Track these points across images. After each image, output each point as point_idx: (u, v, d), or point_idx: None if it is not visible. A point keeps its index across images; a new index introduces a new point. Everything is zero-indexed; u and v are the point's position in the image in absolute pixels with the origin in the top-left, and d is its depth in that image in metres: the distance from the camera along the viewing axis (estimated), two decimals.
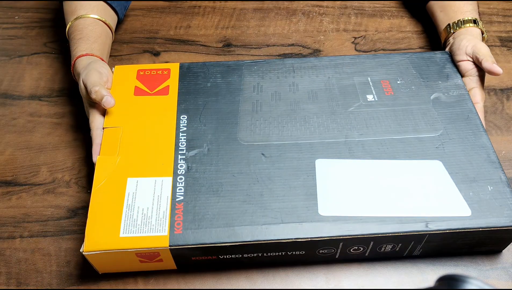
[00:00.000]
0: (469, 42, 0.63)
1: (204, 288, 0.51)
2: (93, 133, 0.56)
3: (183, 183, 0.51)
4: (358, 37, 0.76)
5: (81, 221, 0.56)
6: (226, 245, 0.47)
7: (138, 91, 0.59)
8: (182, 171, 0.52)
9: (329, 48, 0.75)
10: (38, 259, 0.53)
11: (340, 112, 0.57)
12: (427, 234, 0.48)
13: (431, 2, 0.73)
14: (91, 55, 0.61)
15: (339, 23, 0.78)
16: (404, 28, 0.78)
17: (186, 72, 0.62)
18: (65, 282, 0.52)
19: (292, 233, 0.47)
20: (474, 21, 0.66)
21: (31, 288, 0.51)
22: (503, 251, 0.52)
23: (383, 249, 0.50)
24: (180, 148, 0.54)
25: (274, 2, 0.82)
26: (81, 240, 0.54)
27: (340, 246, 0.49)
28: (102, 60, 0.62)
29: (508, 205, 0.49)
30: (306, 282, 0.51)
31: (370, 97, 0.59)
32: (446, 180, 0.52)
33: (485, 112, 0.66)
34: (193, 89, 0.60)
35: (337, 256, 0.51)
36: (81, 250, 0.46)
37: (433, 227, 0.48)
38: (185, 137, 0.55)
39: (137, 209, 0.49)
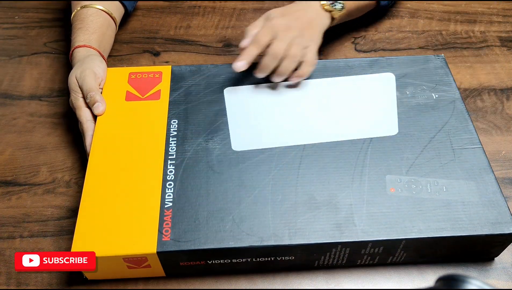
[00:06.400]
0: None
1: (204, 288, 0.51)
2: (84, 126, 0.57)
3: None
4: (358, 37, 0.76)
5: None
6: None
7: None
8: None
9: (329, 48, 0.75)
10: None
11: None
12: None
13: None
14: (89, 47, 0.63)
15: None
16: (404, 28, 0.78)
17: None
18: (65, 282, 0.51)
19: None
20: None
21: (31, 288, 0.51)
22: (503, 251, 0.52)
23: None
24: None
25: (274, 2, 0.81)
26: None
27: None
28: (99, 52, 0.64)
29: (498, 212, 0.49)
30: (306, 282, 0.51)
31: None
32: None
33: (485, 112, 0.66)
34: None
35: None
36: None
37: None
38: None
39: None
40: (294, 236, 0.47)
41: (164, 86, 0.60)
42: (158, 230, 0.47)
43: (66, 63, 0.72)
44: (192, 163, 0.53)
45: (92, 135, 0.55)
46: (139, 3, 0.81)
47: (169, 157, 0.53)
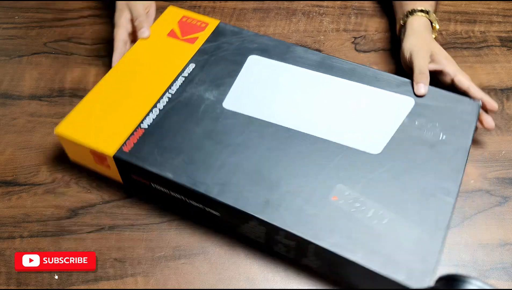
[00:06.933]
0: (410, 46, 0.63)
1: (204, 288, 0.51)
2: (116, 44, 0.64)
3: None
4: (358, 37, 0.76)
5: (81, 221, 0.56)
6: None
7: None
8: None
9: (329, 48, 0.75)
10: None
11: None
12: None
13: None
14: None
15: (339, 23, 0.78)
16: None
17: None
18: (65, 282, 0.52)
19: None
20: (425, 11, 0.66)
21: (31, 288, 0.51)
22: (503, 251, 0.52)
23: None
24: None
25: (274, 2, 0.82)
26: (82, 240, 0.55)
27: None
28: None
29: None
30: (306, 281, 0.51)
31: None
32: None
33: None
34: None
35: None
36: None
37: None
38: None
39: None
40: (222, 193, 0.49)
41: (203, 35, 0.65)
42: (125, 140, 0.53)
43: (66, 63, 0.72)
44: (183, 102, 0.57)
45: (119, 54, 0.63)
46: None
47: (169, 91, 0.58)
